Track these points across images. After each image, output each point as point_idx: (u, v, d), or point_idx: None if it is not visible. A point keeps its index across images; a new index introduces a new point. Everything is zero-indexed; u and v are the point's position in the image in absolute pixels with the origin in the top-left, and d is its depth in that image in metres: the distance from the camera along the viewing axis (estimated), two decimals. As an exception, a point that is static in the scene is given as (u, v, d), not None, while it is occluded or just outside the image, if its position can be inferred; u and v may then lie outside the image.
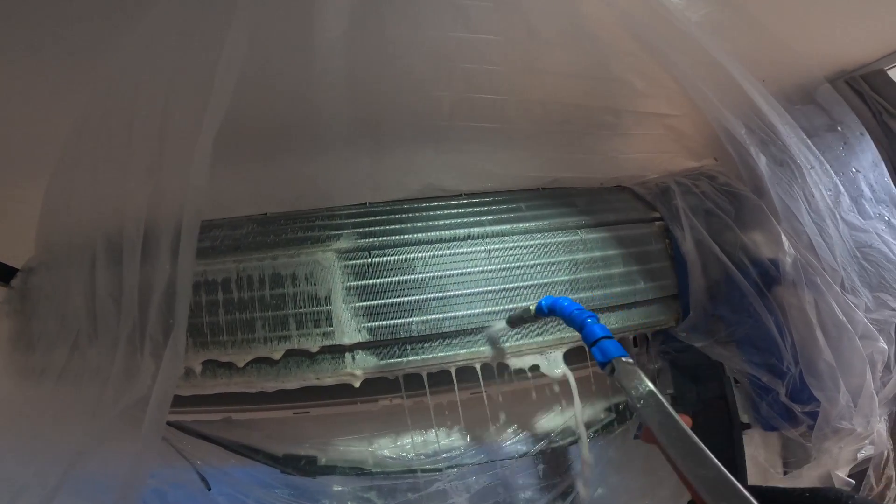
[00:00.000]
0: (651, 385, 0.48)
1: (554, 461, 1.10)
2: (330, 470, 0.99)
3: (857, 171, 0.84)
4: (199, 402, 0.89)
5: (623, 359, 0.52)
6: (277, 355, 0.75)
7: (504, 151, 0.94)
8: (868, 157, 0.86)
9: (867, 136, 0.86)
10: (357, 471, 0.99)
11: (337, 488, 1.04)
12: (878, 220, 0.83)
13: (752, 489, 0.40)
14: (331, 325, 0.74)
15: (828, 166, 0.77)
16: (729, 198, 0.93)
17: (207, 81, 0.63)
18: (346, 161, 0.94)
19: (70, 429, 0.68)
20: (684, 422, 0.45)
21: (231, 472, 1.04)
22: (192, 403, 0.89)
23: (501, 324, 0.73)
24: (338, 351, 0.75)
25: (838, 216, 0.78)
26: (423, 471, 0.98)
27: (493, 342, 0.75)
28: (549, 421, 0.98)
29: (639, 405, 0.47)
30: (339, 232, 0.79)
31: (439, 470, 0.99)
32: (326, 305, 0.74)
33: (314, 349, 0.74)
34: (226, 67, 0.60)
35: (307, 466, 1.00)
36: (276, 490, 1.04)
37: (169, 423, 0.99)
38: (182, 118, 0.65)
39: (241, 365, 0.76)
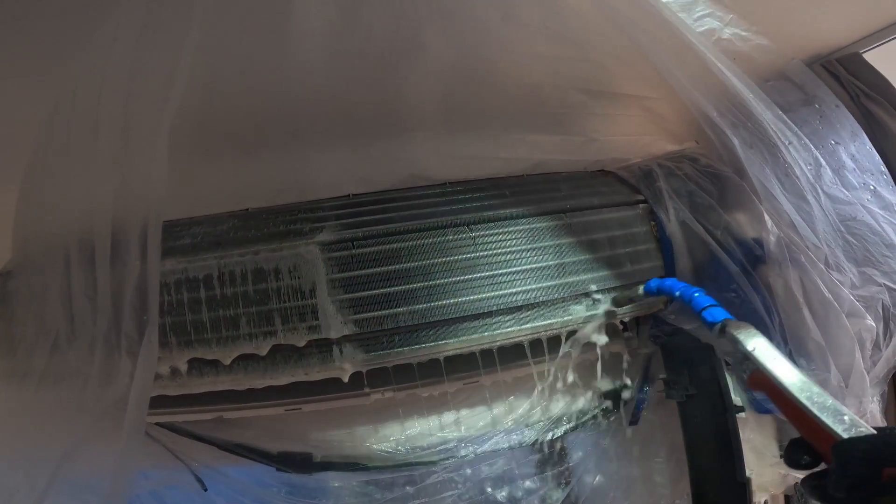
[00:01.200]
0: (762, 335, 0.56)
1: (551, 450, 1.10)
2: (326, 466, 0.99)
3: (837, 143, 0.85)
4: (188, 402, 0.88)
5: (730, 319, 0.61)
6: (263, 351, 0.74)
7: (486, 137, 0.94)
8: (846, 128, 0.86)
9: (843, 108, 0.87)
10: (353, 466, 0.98)
11: (335, 484, 1.03)
12: (864, 189, 0.83)
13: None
14: (316, 319, 0.73)
15: (806, 140, 0.78)
16: (711, 179, 0.94)
17: (169, 74, 0.62)
18: (328, 153, 0.94)
19: (54, 431, 0.67)
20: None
21: (227, 472, 1.03)
22: (181, 404, 0.88)
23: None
24: (325, 345, 0.74)
25: (820, 191, 0.78)
26: (420, 463, 0.98)
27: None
28: (546, 410, 0.97)
29: (753, 352, 0.55)
30: (321, 224, 0.78)
31: (435, 462, 0.99)
32: (311, 299, 0.73)
33: (301, 344, 0.73)
34: (183, 59, 0.60)
35: (303, 463, 0.99)
36: (274, 488, 1.03)
37: (161, 425, 0.99)
38: (143, 112, 0.64)
39: (227, 362, 0.75)
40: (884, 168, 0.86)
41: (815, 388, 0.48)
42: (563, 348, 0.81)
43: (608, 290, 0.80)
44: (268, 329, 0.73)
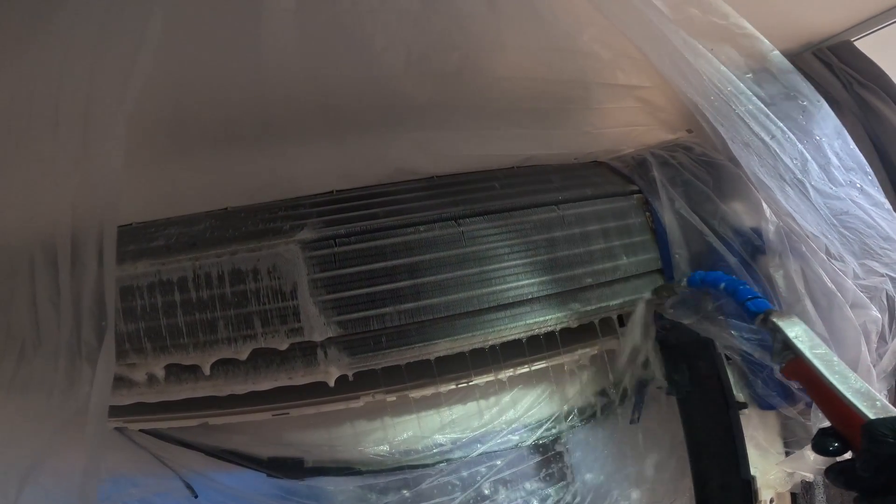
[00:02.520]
0: (802, 324, 0.59)
1: (550, 450, 1.07)
2: (318, 471, 0.95)
3: (821, 137, 0.82)
4: (170, 409, 0.85)
5: (773, 309, 0.63)
6: (244, 356, 0.70)
7: (474, 130, 0.90)
8: (829, 124, 0.84)
9: (824, 104, 0.85)
10: (346, 471, 0.95)
11: (329, 488, 1.00)
12: (850, 187, 0.81)
13: None
14: (299, 321, 0.69)
15: (790, 134, 0.75)
16: (707, 168, 0.91)
17: (128, 67, 0.58)
18: (309, 149, 0.90)
19: (22, 441, 0.65)
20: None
21: (217, 478, 1.00)
22: (163, 410, 0.84)
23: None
24: (308, 348, 0.71)
25: (809, 185, 0.76)
26: (415, 467, 0.95)
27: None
28: (542, 409, 0.94)
29: (794, 339, 0.57)
30: (302, 222, 0.75)
31: (431, 465, 0.95)
32: (292, 300, 0.69)
33: (283, 347, 0.70)
34: (143, 52, 0.56)
35: (294, 469, 0.96)
36: (265, 494, 1.00)
37: (146, 432, 0.95)
38: (102, 110, 0.60)
39: (206, 368, 0.71)
40: (868, 168, 0.85)
41: (852, 375, 0.51)
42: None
43: (604, 284, 0.76)
44: (247, 332, 0.69)
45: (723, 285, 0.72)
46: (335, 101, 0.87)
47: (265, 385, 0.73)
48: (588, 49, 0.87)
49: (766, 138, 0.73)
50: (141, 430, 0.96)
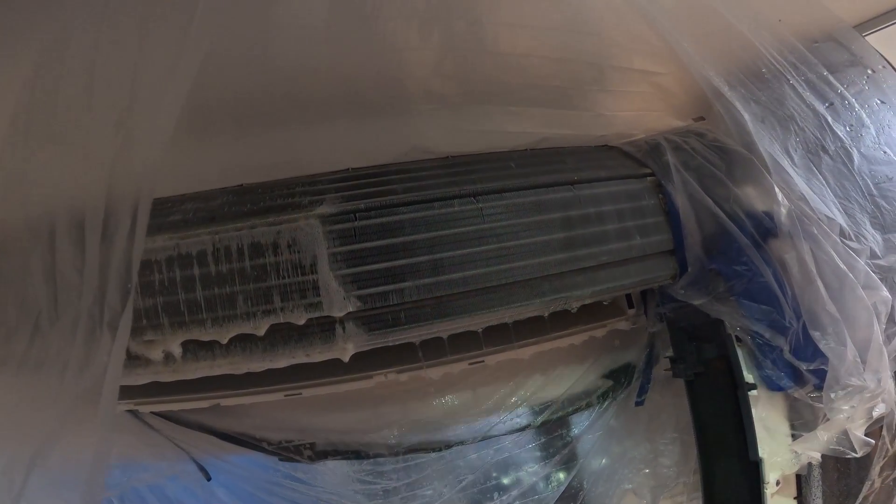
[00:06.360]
0: None
1: (556, 433, 1.08)
2: (328, 454, 0.96)
3: (882, 101, 0.83)
4: (184, 389, 0.85)
5: None
6: (262, 331, 0.70)
7: (490, 110, 0.91)
8: (892, 85, 0.84)
9: (889, 69, 0.85)
10: (356, 454, 0.95)
11: (337, 470, 1.01)
12: None
13: None
14: (318, 296, 0.69)
15: (851, 100, 0.76)
16: (719, 153, 0.92)
17: (181, 40, 0.58)
18: (326, 127, 0.90)
19: (30, 424, 0.64)
20: None
21: (229, 461, 1.00)
22: (177, 391, 0.84)
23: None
24: (327, 323, 0.71)
25: (857, 152, 0.76)
26: (423, 450, 0.95)
27: None
28: (552, 390, 0.95)
29: None
30: (321, 197, 0.75)
31: (439, 448, 0.96)
32: (312, 274, 0.69)
33: (301, 322, 0.70)
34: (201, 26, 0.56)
35: (305, 452, 0.96)
36: (276, 476, 1.00)
37: (159, 414, 0.95)
38: (153, 81, 0.60)
39: (223, 342, 0.71)
40: None
41: None
42: None
43: (618, 263, 0.77)
44: (266, 307, 0.69)
45: None
46: (354, 83, 0.86)
47: (282, 362, 0.73)
48: (606, 32, 0.87)
49: (821, 107, 0.74)
50: (153, 413, 0.96)
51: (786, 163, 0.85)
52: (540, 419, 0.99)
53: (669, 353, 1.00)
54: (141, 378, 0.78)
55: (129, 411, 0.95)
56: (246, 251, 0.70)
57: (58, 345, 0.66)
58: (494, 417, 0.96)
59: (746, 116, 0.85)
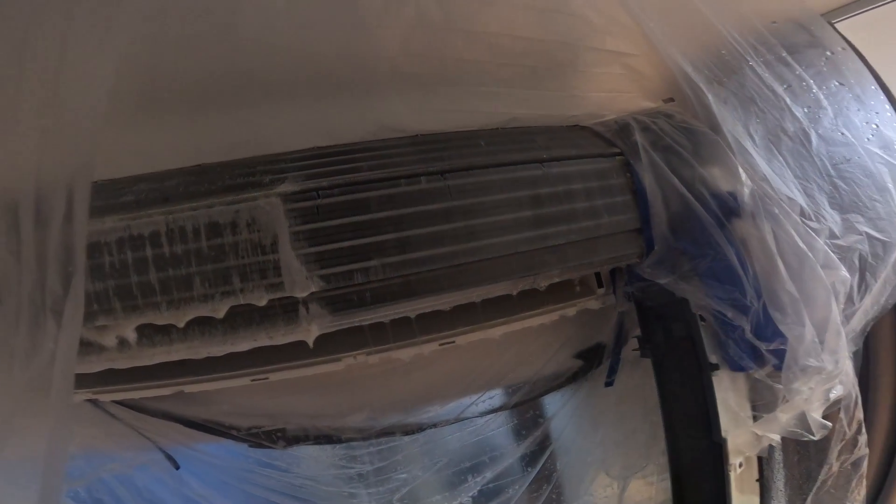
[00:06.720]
0: None
1: (527, 415, 1.09)
2: (300, 440, 0.94)
3: (841, 83, 0.84)
4: (144, 376, 0.81)
5: None
6: (221, 313, 0.67)
7: (461, 89, 0.89)
8: (852, 69, 0.86)
9: (849, 50, 0.87)
10: (328, 439, 0.94)
11: (311, 455, 0.99)
12: (866, 128, 0.83)
13: None
14: (279, 276, 0.67)
15: (809, 81, 0.77)
16: (686, 134, 0.93)
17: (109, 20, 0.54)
18: (289, 106, 0.87)
19: None
20: None
21: (198, 449, 0.97)
22: (137, 378, 0.81)
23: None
24: (289, 304, 0.69)
25: (815, 133, 0.77)
26: (395, 434, 0.95)
27: None
28: (524, 371, 0.96)
29: None
30: (283, 175, 0.72)
31: (414, 431, 0.96)
32: (273, 254, 0.67)
33: (262, 303, 0.67)
34: None
35: (276, 438, 0.94)
36: (249, 463, 0.98)
37: (122, 403, 0.91)
38: (81, 56, 0.56)
39: (180, 326, 0.68)
40: (888, 106, 0.86)
41: None
42: None
43: (587, 241, 0.77)
44: (225, 288, 0.67)
45: None
46: (319, 61, 0.84)
47: (244, 345, 0.71)
48: (579, 12, 0.87)
49: (779, 88, 0.74)
50: (115, 402, 0.92)
51: (748, 144, 0.87)
52: (513, 400, 1.00)
53: (638, 332, 1.01)
54: (95, 365, 0.74)
55: (90, 401, 0.92)
56: (202, 231, 0.67)
57: (3, 333, 0.62)
58: (467, 399, 0.96)
59: (710, 98, 0.86)
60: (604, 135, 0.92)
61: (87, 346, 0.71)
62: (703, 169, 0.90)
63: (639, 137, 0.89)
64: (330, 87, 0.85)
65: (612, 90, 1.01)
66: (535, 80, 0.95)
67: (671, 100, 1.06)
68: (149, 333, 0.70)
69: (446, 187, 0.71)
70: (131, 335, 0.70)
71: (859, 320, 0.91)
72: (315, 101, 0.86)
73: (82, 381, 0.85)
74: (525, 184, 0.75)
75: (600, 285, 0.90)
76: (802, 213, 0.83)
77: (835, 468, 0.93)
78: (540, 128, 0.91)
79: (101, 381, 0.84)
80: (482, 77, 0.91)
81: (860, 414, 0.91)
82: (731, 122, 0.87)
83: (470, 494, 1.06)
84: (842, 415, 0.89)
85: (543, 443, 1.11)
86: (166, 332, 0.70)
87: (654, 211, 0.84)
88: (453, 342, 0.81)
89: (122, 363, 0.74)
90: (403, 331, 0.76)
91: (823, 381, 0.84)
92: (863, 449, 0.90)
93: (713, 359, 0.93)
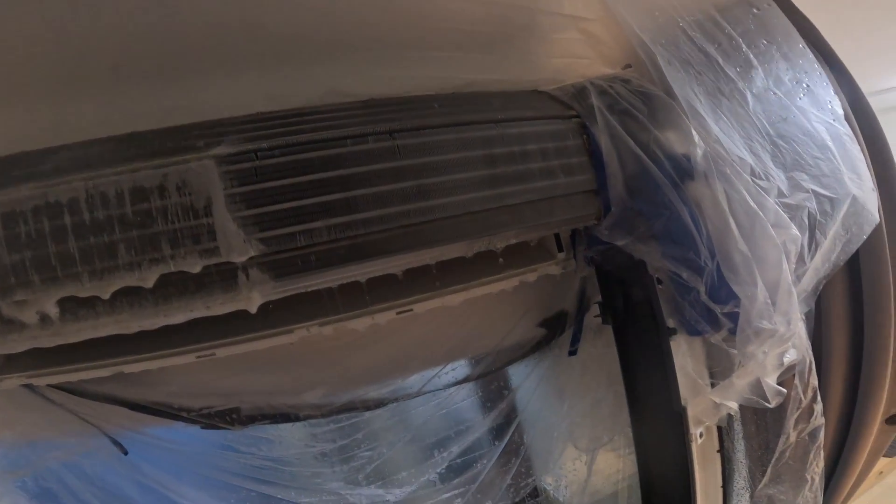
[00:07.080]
0: None
1: (492, 387, 1.08)
2: (255, 419, 0.90)
3: (769, 42, 0.84)
4: (76, 357, 0.75)
5: None
6: (150, 282, 0.62)
7: (415, 54, 0.85)
8: (778, 27, 0.85)
9: (775, 7, 0.87)
10: (285, 417, 0.90)
11: (271, 435, 0.95)
12: (797, 87, 0.83)
13: None
14: (214, 240, 0.62)
15: (739, 40, 0.76)
16: (642, 98, 0.92)
17: None
18: (230, 71, 0.81)
19: None
20: None
21: (148, 433, 0.92)
22: (69, 359, 0.75)
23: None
24: (227, 270, 0.64)
25: (749, 93, 0.77)
26: (356, 409, 0.92)
27: None
28: (486, 340, 0.94)
29: None
30: (219, 139, 0.67)
31: (375, 406, 0.93)
32: (206, 217, 0.62)
33: (195, 270, 0.63)
34: None
35: (229, 419, 0.90)
36: (204, 445, 0.94)
37: (59, 387, 0.85)
38: None
39: (106, 297, 0.62)
40: (817, 65, 0.86)
41: None
42: None
43: (543, 201, 0.76)
44: (153, 255, 0.62)
45: None
46: (260, 25, 0.78)
47: (179, 317, 0.66)
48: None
49: (711, 49, 0.73)
50: (52, 386, 0.86)
51: (699, 106, 0.87)
52: (476, 371, 0.98)
53: (599, 299, 1.01)
54: (18, 344, 0.68)
55: (26, 386, 0.85)
56: (126, 196, 0.62)
57: None
58: (429, 371, 0.94)
59: (661, 61, 0.85)
60: (560, 98, 0.90)
61: (7, 324, 0.65)
62: (659, 132, 0.89)
63: (595, 100, 0.88)
64: (274, 56, 0.80)
65: (570, 55, 0.99)
66: (492, 45, 0.92)
67: (629, 66, 1.05)
68: (72, 307, 0.64)
69: (395, 146, 0.68)
70: (52, 310, 0.65)
71: (810, 279, 0.92)
72: (259, 71, 0.81)
73: (12, 363, 0.78)
74: (479, 143, 0.73)
75: (560, 249, 0.89)
76: (752, 173, 0.83)
77: (792, 438, 0.93)
78: (496, 92, 0.88)
79: (32, 364, 0.77)
80: (437, 42, 0.87)
81: (815, 381, 0.92)
82: (680, 85, 0.86)
83: (438, 470, 1.05)
84: (797, 381, 0.90)
85: (509, 415, 1.11)
86: (91, 304, 0.64)
87: (610, 172, 0.83)
88: (411, 310, 0.78)
89: (47, 341, 0.67)
90: (356, 299, 0.73)
91: (776, 343, 0.84)
92: (819, 419, 0.91)
93: (671, 323, 0.94)
